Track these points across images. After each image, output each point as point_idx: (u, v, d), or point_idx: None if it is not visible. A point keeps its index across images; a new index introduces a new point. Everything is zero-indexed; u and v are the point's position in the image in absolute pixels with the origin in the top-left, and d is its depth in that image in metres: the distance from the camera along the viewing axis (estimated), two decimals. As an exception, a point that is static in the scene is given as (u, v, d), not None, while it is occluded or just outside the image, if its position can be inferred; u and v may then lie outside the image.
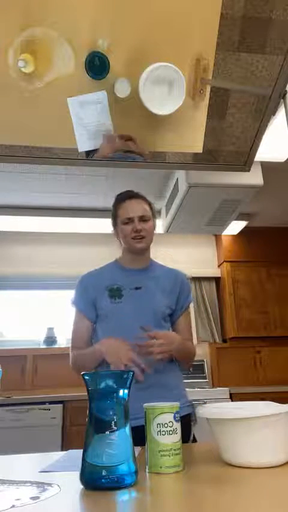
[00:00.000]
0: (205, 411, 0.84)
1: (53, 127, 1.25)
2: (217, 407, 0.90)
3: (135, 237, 1.49)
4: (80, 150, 1.25)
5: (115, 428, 0.70)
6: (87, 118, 1.21)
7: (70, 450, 1.09)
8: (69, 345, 1.54)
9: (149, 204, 1.55)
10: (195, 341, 4.20)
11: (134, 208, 1.49)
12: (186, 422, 1.30)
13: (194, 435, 1.43)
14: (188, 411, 1.44)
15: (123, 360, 1.29)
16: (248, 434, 0.76)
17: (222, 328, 4.33)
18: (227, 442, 0.80)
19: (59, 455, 1.04)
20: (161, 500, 0.64)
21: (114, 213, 1.56)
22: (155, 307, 1.48)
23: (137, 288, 1.50)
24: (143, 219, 1.49)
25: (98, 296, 1.50)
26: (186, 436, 1.38)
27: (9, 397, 3.39)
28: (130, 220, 1.49)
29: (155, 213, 1.59)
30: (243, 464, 0.77)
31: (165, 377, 1.43)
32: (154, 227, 1.55)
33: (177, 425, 0.80)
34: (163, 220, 3.82)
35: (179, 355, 1.45)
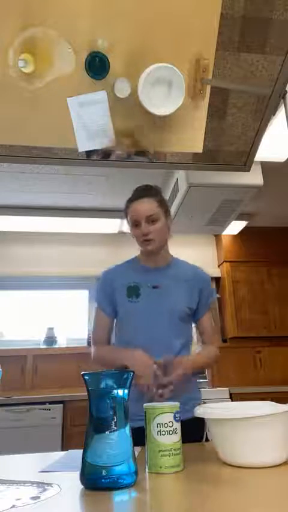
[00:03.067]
0: (204, 411, 0.84)
1: (53, 127, 1.25)
2: (216, 408, 0.90)
3: (143, 241, 1.47)
4: (79, 150, 1.25)
5: (115, 428, 0.70)
6: (87, 118, 1.21)
7: (70, 450, 1.09)
8: (90, 339, 1.59)
9: (160, 201, 1.49)
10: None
11: (140, 210, 1.45)
12: (200, 421, 1.29)
13: (206, 434, 1.42)
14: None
15: (149, 385, 1.28)
16: (247, 434, 0.76)
17: (222, 328, 4.33)
18: (226, 442, 0.80)
19: (58, 455, 1.04)
20: (161, 500, 0.64)
21: (125, 214, 1.53)
22: (172, 307, 1.46)
23: (154, 287, 1.48)
24: (150, 219, 1.44)
25: (117, 293, 1.50)
26: (199, 435, 1.38)
27: (9, 397, 3.39)
28: (138, 223, 1.46)
29: (168, 209, 1.53)
30: (242, 464, 0.77)
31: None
32: (168, 224, 1.51)
33: (177, 425, 0.80)
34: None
35: (197, 371, 1.48)
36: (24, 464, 0.99)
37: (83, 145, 1.25)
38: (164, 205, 1.50)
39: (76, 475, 0.71)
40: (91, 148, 1.26)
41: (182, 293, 1.50)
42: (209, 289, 1.58)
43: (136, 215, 1.45)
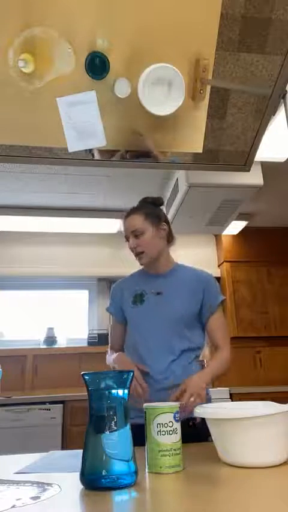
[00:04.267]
0: (204, 411, 0.84)
1: (53, 127, 1.25)
2: (216, 407, 0.90)
3: (135, 255, 1.55)
4: (70, 151, 1.25)
5: (115, 428, 0.70)
6: (77, 118, 1.21)
7: (52, 451, 1.08)
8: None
9: (147, 214, 1.55)
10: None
11: (126, 227, 1.56)
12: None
13: None
14: None
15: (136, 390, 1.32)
16: (247, 434, 0.76)
17: (222, 328, 4.32)
18: (226, 442, 0.80)
19: (40, 455, 1.03)
20: (161, 500, 0.64)
21: None
22: (175, 313, 1.49)
23: (158, 293, 1.53)
24: (135, 234, 1.52)
25: (124, 301, 1.58)
26: (204, 435, 1.37)
27: (9, 397, 3.39)
28: (127, 239, 1.56)
29: (157, 218, 1.57)
30: (242, 464, 0.77)
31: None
32: (159, 234, 1.55)
33: (177, 425, 0.80)
34: (163, 220, 3.82)
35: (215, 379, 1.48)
36: (24, 464, 0.99)
37: (73, 146, 1.24)
38: (152, 217, 1.56)
39: (76, 475, 0.71)
40: (81, 149, 1.26)
41: (185, 298, 1.52)
42: (213, 289, 1.58)
43: (125, 232, 1.57)
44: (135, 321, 1.54)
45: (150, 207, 1.60)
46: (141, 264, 1.58)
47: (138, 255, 1.54)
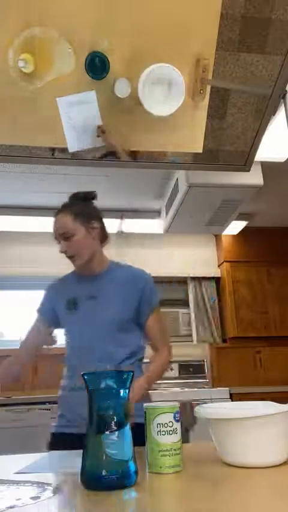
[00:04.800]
0: (204, 411, 0.84)
1: (53, 127, 1.25)
2: (216, 407, 0.90)
3: (67, 258, 1.47)
4: (70, 151, 1.25)
5: (115, 428, 0.70)
6: (77, 118, 1.21)
7: (52, 451, 1.08)
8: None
9: (76, 214, 1.44)
10: (194, 341, 4.20)
11: (55, 229, 1.45)
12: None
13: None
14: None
15: None
16: (247, 434, 0.76)
17: (222, 328, 4.33)
18: (226, 442, 0.80)
19: (40, 456, 1.03)
20: (161, 500, 0.64)
21: None
22: (109, 318, 1.42)
23: (92, 297, 1.45)
24: (64, 236, 1.42)
25: (57, 307, 1.51)
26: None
27: (9, 397, 3.39)
28: (58, 241, 1.46)
29: (88, 217, 1.47)
30: (242, 464, 0.77)
31: None
32: (90, 234, 1.45)
33: (177, 425, 0.80)
34: (163, 220, 3.82)
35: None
36: (24, 464, 0.99)
37: (73, 145, 1.24)
38: (82, 216, 1.45)
39: (76, 475, 0.71)
40: (81, 149, 1.26)
41: (119, 301, 1.44)
42: (150, 290, 1.49)
43: (54, 233, 1.46)
44: (72, 327, 1.48)
45: (81, 205, 1.50)
46: (75, 267, 1.50)
47: (70, 258, 1.46)
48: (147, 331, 1.47)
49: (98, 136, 1.20)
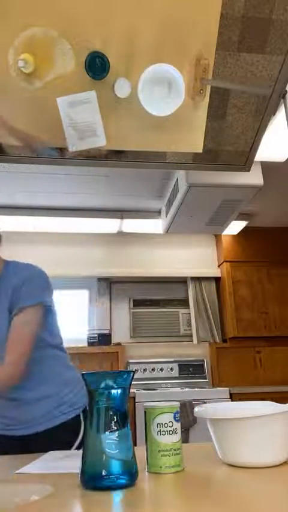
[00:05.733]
0: (204, 411, 0.84)
1: (53, 127, 1.25)
2: (216, 407, 0.90)
3: None
4: (70, 150, 1.25)
5: (115, 428, 0.70)
6: (77, 118, 1.21)
7: (51, 451, 1.08)
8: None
9: None
10: (194, 341, 4.20)
11: None
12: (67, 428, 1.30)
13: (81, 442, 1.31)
14: (65, 418, 1.33)
15: None
16: (247, 434, 0.76)
17: (222, 328, 4.33)
18: (226, 442, 0.80)
19: (39, 456, 1.03)
20: (161, 500, 0.64)
21: None
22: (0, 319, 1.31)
23: None
24: None
25: None
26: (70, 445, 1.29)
27: None
28: None
29: None
30: (242, 464, 0.77)
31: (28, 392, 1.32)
32: None
33: (177, 425, 0.80)
34: (163, 220, 3.82)
35: None
36: (24, 464, 0.99)
37: (73, 145, 1.24)
38: None
39: (76, 475, 0.71)
40: (81, 148, 1.26)
41: (4, 303, 1.32)
42: (23, 287, 1.32)
43: None
44: None
45: None
46: None
47: None
48: (9, 333, 1.27)
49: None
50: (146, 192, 3.66)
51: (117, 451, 0.68)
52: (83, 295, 4.34)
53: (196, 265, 4.40)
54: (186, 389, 3.64)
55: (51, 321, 1.47)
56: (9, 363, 1.24)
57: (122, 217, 3.91)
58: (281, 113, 1.34)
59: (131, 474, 0.69)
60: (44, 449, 1.09)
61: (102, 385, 0.73)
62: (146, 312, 4.29)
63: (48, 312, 1.41)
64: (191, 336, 4.26)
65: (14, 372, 1.24)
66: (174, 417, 0.80)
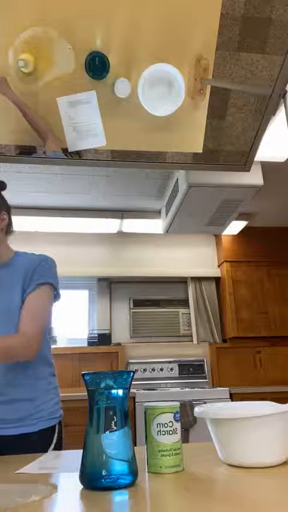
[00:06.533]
0: (204, 411, 0.84)
1: (53, 127, 1.25)
2: (216, 407, 0.90)
3: None
4: (70, 150, 1.25)
5: (115, 428, 0.70)
6: (77, 118, 1.21)
7: (51, 451, 1.09)
8: None
9: None
10: (194, 341, 4.20)
11: None
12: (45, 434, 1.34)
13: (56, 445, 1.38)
14: (47, 425, 1.40)
15: None
16: (247, 434, 0.76)
17: (222, 328, 4.33)
18: (226, 442, 0.80)
19: (39, 456, 1.04)
20: (161, 500, 0.64)
21: None
22: (10, 306, 1.36)
23: None
24: None
25: None
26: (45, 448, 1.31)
27: None
28: None
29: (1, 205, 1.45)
30: (242, 464, 0.77)
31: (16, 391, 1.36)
32: None
33: (177, 425, 0.80)
34: (163, 220, 3.82)
35: None
36: (23, 464, 0.99)
37: (73, 146, 1.25)
38: None
39: (76, 475, 0.71)
40: (81, 148, 1.26)
41: (18, 288, 1.38)
42: (39, 271, 1.41)
43: None
44: None
45: None
46: None
47: None
48: (22, 308, 1.34)
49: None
50: (146, 192, 3.66)
51: (117, 451, 0.68)
52: (83, 295, 4.35)
53: (196, 265, 4.41)
54: (186, 389, 3.64)
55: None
56: (25, 334, 1.28)
57: (122, 217, 3.91)
58: (281, 112, 1.34)
59: (131, 474, 0.69)
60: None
61: (102, 385, 0.73)
62: (146, 312, 4.30)
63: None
64: (191, 336, 4.26)
65: (29, 344, 1.29)
66: (174, 417, 0.80)
